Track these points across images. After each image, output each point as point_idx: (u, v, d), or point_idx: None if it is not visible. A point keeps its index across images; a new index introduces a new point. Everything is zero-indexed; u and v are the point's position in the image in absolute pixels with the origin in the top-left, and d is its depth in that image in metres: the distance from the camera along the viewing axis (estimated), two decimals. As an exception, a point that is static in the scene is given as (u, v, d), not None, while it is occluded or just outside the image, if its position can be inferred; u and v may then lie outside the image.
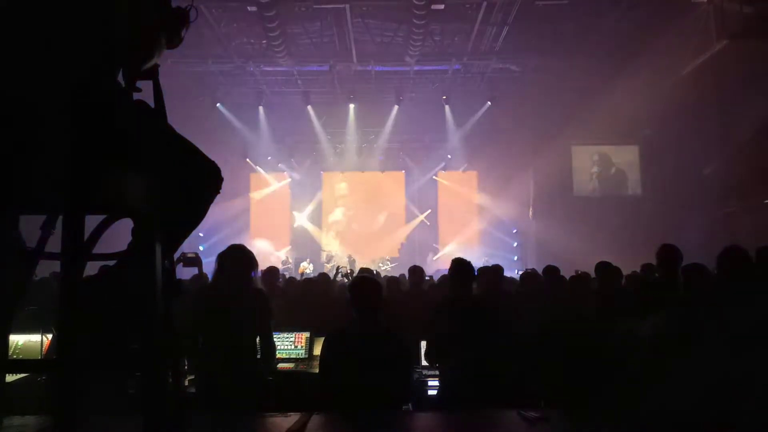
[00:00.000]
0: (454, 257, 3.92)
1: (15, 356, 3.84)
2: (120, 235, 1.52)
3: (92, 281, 1.43)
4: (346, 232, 17.62)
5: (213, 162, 1.56)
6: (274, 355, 3.64)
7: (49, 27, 1.26)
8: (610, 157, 15.42)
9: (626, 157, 15.33)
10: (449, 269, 3.85)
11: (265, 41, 11.55)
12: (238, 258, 3.41)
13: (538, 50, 12.18)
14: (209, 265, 3.96)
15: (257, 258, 3.77)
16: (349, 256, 15.40)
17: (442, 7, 10.16)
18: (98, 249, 1.39)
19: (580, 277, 5.48)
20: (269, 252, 16.43)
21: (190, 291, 3.72)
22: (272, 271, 5.78)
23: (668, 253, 4.12)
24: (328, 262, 15.33)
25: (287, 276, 8.54)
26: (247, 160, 16.58)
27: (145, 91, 1.49)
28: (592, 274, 5.19)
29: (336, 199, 17.88)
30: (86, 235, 1.27)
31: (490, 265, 6.33)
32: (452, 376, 3.46)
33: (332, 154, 17.01)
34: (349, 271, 8.84)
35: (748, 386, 2.33)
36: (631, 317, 3.31)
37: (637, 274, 6.04)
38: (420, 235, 17.54)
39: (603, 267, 4.83)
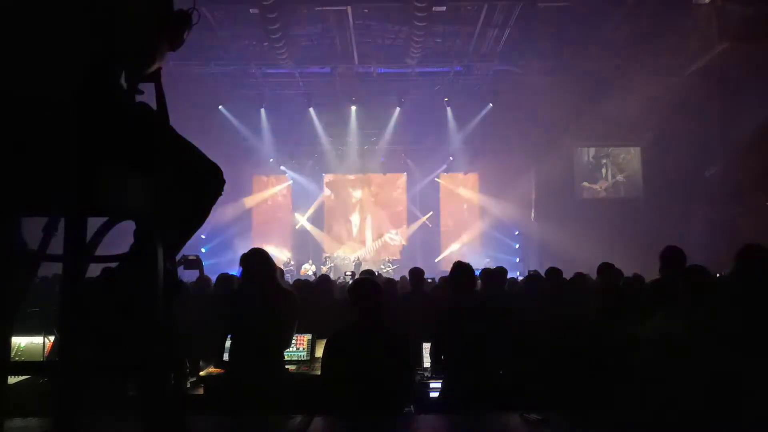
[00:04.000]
0: (455, 261, 3.92)
1: (17, 358, 3.84)
2: (122, 238, 1.53)
3: (94, 283, 1.43)
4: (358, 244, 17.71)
5: (215, 164, 1.55)
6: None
7: (52, 29, 1.26)
8: (612, 159, 15.40)
9: (628, 159, 15.31)
10: (450, 273, 3.85)
11: (266, 43, 11.56)
12: (264, 260, 3.58)
13: (539, 52, 12.17)
14: (210, 268, 3.98)
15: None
16: (357, 259, 15.40)
17: (443, 8, 10.17)
18: (100, 251, 1.39)
19: (582, 279, 5.46)
20: (271, 254, 16.40)
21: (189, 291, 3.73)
22: (278, 271, 5.75)
23: (673, 255, 4.10)
24: (324, 264, 15.34)
25: (288, 278, 8.53)
26: (249, 162, 16.58)
27: (147, 93, 1.49)
28: (594, 276, 5.18)
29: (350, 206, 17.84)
30: (88, 237, 1.27)
31: (492, 266, 6.33)
32: (454, 379, 3.46)
33: (334, 156, 17.02)
34: (350, 273, 8.85)
35: (749, 387, 2.32)
36: (633, 319, 3.30)
37: (638, 275, 6.02)
38: (422, 237, 17.53)
39: (605, 268, 4.81)
